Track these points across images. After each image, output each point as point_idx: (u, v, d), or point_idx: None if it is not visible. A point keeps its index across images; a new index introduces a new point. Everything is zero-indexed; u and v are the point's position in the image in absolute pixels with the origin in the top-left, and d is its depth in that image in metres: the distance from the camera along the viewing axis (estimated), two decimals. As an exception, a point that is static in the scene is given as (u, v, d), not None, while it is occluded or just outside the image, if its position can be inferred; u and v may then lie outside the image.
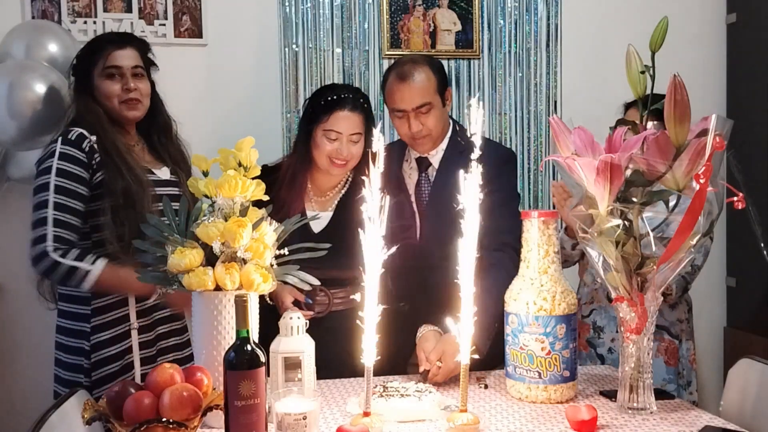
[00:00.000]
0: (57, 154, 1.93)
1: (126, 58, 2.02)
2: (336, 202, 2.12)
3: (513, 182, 2.24)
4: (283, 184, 2.01)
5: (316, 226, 2.05)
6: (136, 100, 2.03)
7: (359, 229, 1.44)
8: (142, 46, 2.09)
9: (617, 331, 2.25)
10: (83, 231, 1.94)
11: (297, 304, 1.96)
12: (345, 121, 2.01)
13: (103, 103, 2.01)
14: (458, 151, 2.15)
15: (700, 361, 3.15)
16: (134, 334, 1.98)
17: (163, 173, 2.09)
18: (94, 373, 1.95)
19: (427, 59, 2.16)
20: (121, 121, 2.05)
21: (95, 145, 1.96)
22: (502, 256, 2.02)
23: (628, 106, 2.33)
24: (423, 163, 2.19)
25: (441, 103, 2.12)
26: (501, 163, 2.15)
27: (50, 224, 1.87)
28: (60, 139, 1.95)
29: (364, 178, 1.45)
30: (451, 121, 2.21)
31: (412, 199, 2.18)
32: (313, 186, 2.12)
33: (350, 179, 2.14)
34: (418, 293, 2.08)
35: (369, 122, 2.07)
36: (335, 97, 2.03)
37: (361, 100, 2.06)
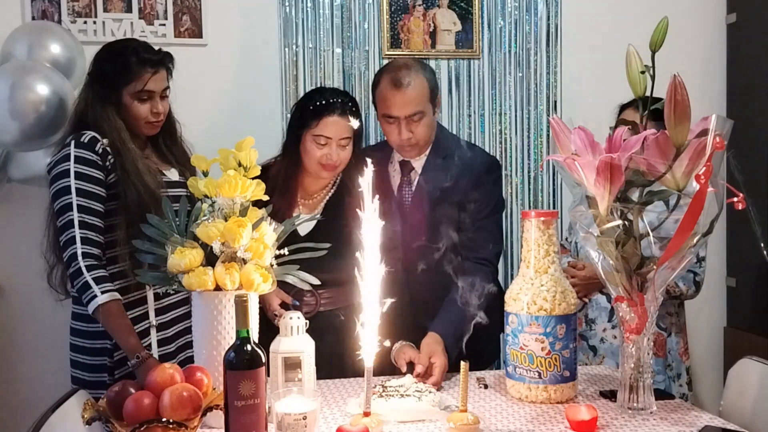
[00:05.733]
0: (72, 157, 1.91)
1: (159, 81, 2.02)
2: (323, 204, 2.12)
3: (496, 193, 2.18)
4: (275, 190, 2.01)
5: (303, 229, 2.05)
6: (160, 121, 2.06)
7: (357, 232, 1.45)
8: (170, 63, 2.08)
9: (609, 321, 2.27)
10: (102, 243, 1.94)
11: (284, 306, 1.96)
12: (334, 127, 2.00)
13: (127, 120, 2.01)
14: (441, 156, 2.15)
15: (699, 361, 3.16)
16: (153, 331, 1.99)
17: (172, 174, 2.10)
18: (117, 371, 1.97)
19: (421, 65, 2.14)
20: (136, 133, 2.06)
21: (108, 148, 1.96)
22: (483, 270, 2.05)
23: (623, 108, 2.33)
24: (406, 167, 2.19)
25: (432, 111, 2.12)
26: (483, 173, 2.14)
27: (77, 227, 1.86)
28: (73, 142, 1.94)
29: (361, 182, 1.45)
30: (436, 125, 2.20)
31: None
32: (301, 189, 2.12)
33: (337, 181, 2.14)
34: (398, 296, 2.09)
35: (357, 126, 2.07)
36: (324, 102, 2.02)
37: (350, 104, 2.06)
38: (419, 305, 2.08)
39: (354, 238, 1.96)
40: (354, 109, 2.07)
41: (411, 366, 1.87)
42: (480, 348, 2.11)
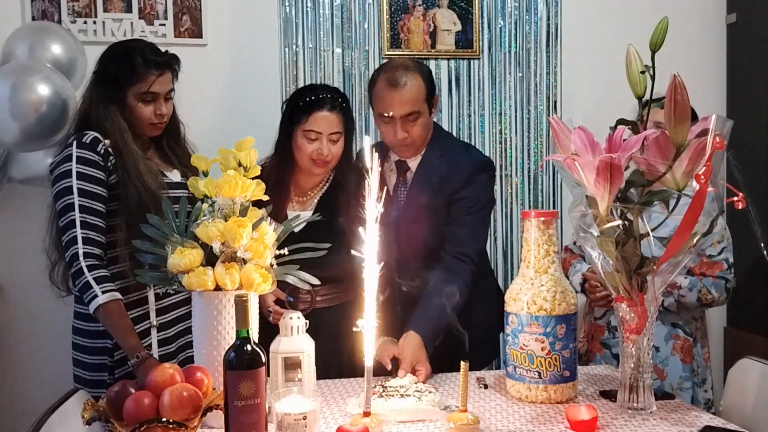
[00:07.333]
0: (74, 158, 1.91)
1: (164, 83, 2.01)
2: (315, 201, 2.12)
3: (486, 192, 2.17)
4: (268, 188, 2.01)
5: (297, 227, 2.05)
6: (163, 123, 2.05)
7: (360, 229, 1.45)
8: (176, 65, 2.07)
9: None
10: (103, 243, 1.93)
11: (279, 302, 1.96)
12: (324, 121, 2.01)
13: (131, 120, 2.00)
14: (437, 156, 2.15)
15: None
16: (153, 332, 1.99)
17: (174, 176, 2.10)
18: (118, 370, 1.97)
19: (418, 65, 2.14)
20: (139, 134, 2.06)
21: (109, 149, 1.96)
22: (462, 266, 2.04)
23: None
24: (402, 167, 2.19)
25: (428, 112, 2.11)
26: (475, 172, 2.14)
27: (79, 227, 1.86)
28: (75, 142, 1.94)
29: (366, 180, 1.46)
30: (432, 125, 2.20)
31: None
32: (295, 187, 2.12)
33: (330, 178, 2.14)
34: (389, 292, 2.09)
35: (348, 121, 2.07)
36: (313, 98, 2.02)
37: (340, 100, 2.06)
38: (410, 302, 2.08)
39: (348, 235, 1.97)
40: (344, 104, 2.07)
41: (395, 362, 1.87)
42: (480, 348, 2.11)
